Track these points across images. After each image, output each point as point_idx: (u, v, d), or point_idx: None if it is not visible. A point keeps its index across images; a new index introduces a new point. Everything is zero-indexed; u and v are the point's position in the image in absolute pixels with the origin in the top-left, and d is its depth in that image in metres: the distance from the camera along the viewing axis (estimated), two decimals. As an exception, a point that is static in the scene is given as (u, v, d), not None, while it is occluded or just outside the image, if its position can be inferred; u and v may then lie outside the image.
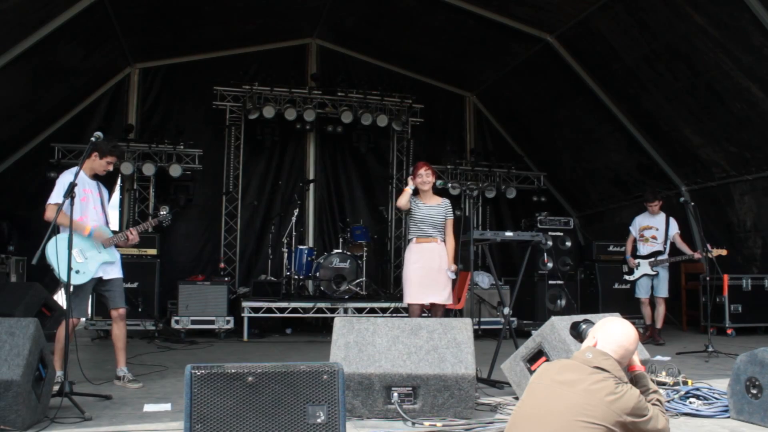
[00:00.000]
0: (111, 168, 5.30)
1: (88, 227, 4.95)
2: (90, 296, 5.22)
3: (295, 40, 11.49)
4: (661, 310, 8.20)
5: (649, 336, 8.11)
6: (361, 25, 10.94)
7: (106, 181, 10.00)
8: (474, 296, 8.75)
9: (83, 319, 8.55)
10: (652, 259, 8.16)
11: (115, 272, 5.26)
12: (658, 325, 8.17)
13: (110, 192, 10.43)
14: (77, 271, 4.83)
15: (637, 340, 2.89)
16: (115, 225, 10.56)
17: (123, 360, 5.28)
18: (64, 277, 4.70)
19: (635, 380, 2.91)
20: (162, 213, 5.84)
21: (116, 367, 5.23)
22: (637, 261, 8.30)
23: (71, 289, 4.84)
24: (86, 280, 4.95)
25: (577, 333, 3.29)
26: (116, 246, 5.28)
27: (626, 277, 8.42)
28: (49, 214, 4.89)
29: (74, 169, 5.13)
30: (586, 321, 3.28)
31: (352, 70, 11.65)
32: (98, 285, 5.14)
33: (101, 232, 5.08)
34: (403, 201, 5.68)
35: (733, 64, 7.75)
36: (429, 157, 11.49)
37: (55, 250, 4.64)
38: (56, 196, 4.93)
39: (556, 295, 9.31)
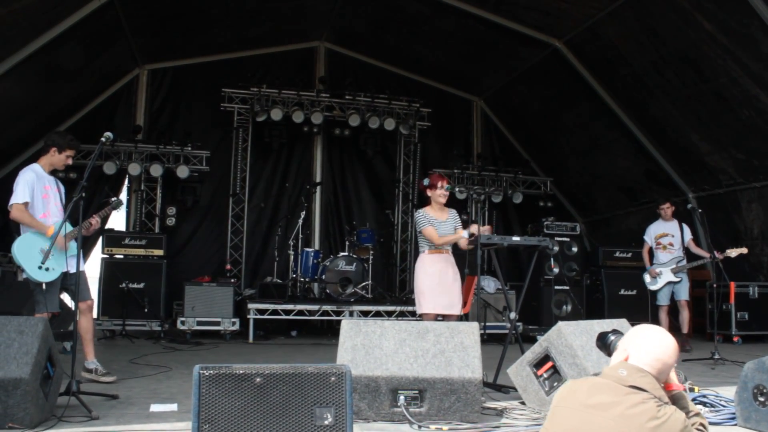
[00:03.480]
0: (70, 162, 5.25)
1: (51, 228, 4.88)
2: (59, 289, 5.16)
3: (304, 43, 11.53)
4: (685, 314, 8.05)
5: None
6: (369, 29, 10.97)
7: (115, 181, 10.24)
8: (480, 301, 8.74)
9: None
10: (674, 266, 8.06)
11: (79, 264, 5.25)
12: (684, 329, 7.99)
13: (116, 193, 10.58)
14: (47, 269, 4.85)
15: (677, 351, 2.47)
16: (118, 224, 10.62)
17: (92, 352, 5.22)
18: (33, 275, 4.81)
19: (674, 401, 2.46)
20: (113, 199, 5.72)
21: (85, 360, 5.16)
22: (658, 269, 8.12)
23: (43, 286, 4.86)
24: (57, 276, 4.93)
25: (605, 344, 2.82)
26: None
27: (650, 287, 8.21)
28: (16, 214, 4.90)
29: (33, 166, 5.11)
30: (615, 332, 2.81)
31: (360, 74, 11.66)
32: (63, 279, 5.07)
33: (60, 239, 4.90)
34: (440, 240, 5.63)
35: (741, 71, 7.73)
36: (436, 161, 11.55)
37: (22, 250, 4.66)
38: (21, 195, 4.92)
39: (562, 301, 9.30)
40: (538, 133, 12.18)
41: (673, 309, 8.30)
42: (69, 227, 5.13)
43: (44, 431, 3.65)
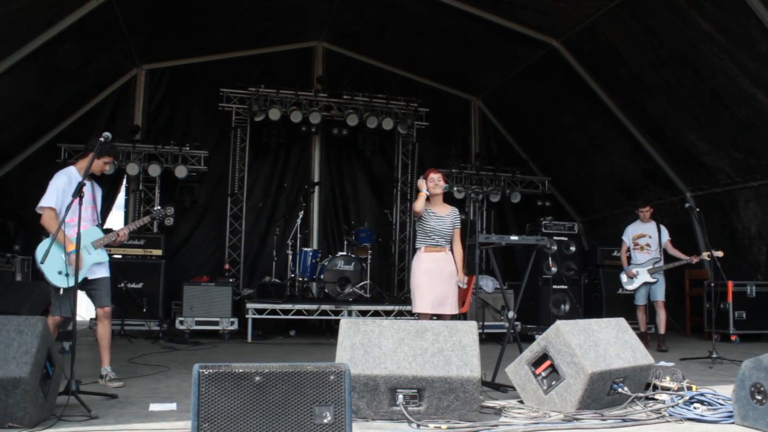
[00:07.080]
0: (107, 168, 5.29)
1: (72, 245, 4.79)
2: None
3: (302, 43, 11.53)
4: (662, 315, 8.11)
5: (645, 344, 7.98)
6: (367, 29, 10.97)
7: (112, 181, 10.23)
8: (478, 300, 8.74)
9: (89, 319, 8.62)
10: (651, 267, 8.15)
11: (102, 272, 5.24)
12: (661, 330, 8.09)
13: (116, 192, 10.58)
14: (66, 274, 4.81)
15: None
16: (116, 224, 10.63)
17: (107, 359, 5.22)
18: (52, 280, 4.80)
19: None
20: (156, 209, 5.81)
21: (100, 366, 5.19)
22: (635, 270, 8.21)
23: (60, 291, 4.84)
24: (74, 282, 4.91)
25: None
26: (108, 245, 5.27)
27: (626, 286, 8.35)
28: (45, 220, 4.91)
29: (68, 170, 5.13)
30: None
31: (358, 73, 11.65)
32: (84, 284, 5.08)
33: (72, 258, 4.85)
34: (420, 206, 5.63)
35: (739, 70, 7.75)
36: (434, 161, 11.56)
37: (43, 253, 4.64)
38: (50, 198, 4.93)
39: (560, 300, 9.31)
40: (535, 133, 12.19)
41: (650, 309, 8.38)
42: (99, 233, 5.16)
43: (43, 430, 3.65)
